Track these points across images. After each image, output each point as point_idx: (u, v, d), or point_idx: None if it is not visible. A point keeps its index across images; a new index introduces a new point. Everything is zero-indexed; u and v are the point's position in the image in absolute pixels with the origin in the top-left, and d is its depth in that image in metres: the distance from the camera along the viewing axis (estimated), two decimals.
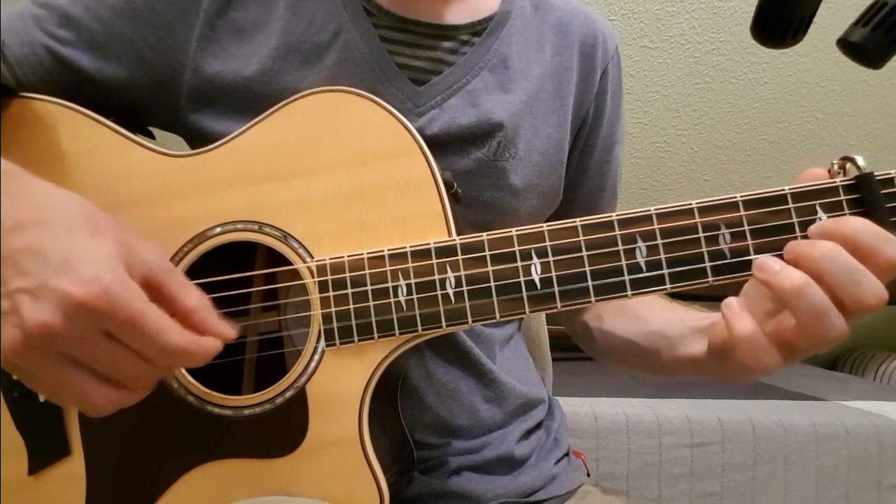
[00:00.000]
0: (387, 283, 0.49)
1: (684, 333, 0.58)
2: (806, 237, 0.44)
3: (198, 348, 0.41)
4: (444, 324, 0.48)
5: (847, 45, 0.44)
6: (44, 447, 0.52)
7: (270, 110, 0.53)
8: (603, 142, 0.73)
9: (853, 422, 1.35)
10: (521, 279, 0.47)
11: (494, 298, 0.47)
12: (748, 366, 0.44)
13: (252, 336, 0.60)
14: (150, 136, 0.65)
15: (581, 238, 0.46)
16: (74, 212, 0.40)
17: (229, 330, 0.43)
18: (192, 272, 0.52)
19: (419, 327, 0.48)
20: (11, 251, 0.37)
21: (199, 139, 0.59)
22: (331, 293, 0.49)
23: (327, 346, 0.49)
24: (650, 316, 0.65)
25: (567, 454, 0.72)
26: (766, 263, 0.43)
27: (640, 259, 0.46)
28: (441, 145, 0.60)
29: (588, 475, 0.73)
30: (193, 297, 0.43)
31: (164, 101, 0.60)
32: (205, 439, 0.51)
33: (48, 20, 0.58)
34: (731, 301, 0.44)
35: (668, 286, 0.46)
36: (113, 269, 0.38)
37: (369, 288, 0.49)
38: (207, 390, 0.51)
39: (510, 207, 0.65)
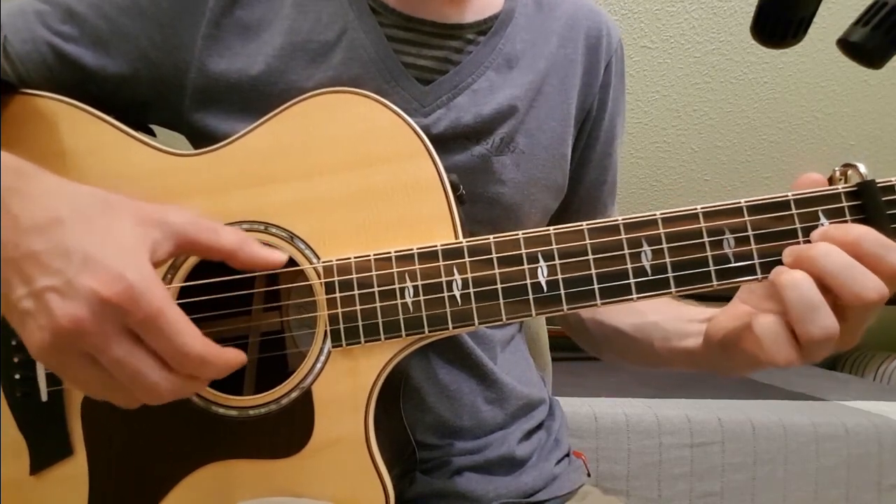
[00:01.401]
0: (394, 284, 0.49)
1: (680, 326, 0.59)
2: (809, 242, 0.44)
3: (217, 357, 0.41)
4: (450, 325, 0.48)
5: (847, 45, 0.45)
6: (46, 447, 0.52)
7: (276, 111, 0.53)
8: (605, 135, 0.73)
9: (853, 422, 1.36)
10: (528, 282, 0.47)
11: (501, 301, 0.47)
12: (763, 355, 0.44)
13: (255, 337, 0.59)
14: (151, 133, 0.64)
15: (587, 241, 0.46)
16: (89, 203, 0.40)
17: (277, 254, 0.46)
18: (197, 272, 0.52)
19: (426, 329, 0.48)
20: (34, 251, 0.38)
21: (202, 138, 0.59)
22: (337, 294, 0.49)
23: (333, 347, 0.49)
24: (645, 308, 0.65)
25: (568, 454, 0.73)
26: (777, 268, 0.44)
27: (646, 263, 0.46)
28: (445, 143, 0.60)
29: (588, 475, 0.74)
30: (231, 237, 0.44)
31: (168, 99, 0.60)
32: (209, 439, 0.51)
33: (51, 16, 0.58)
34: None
35: (672, 290, 0.46)
36: (137, 262, 0.38)
37: (376, 289, 0.49)
38: (212, 390, 0.51)
39: (514, 202, 0.65)
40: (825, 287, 0.42)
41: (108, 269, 0.37)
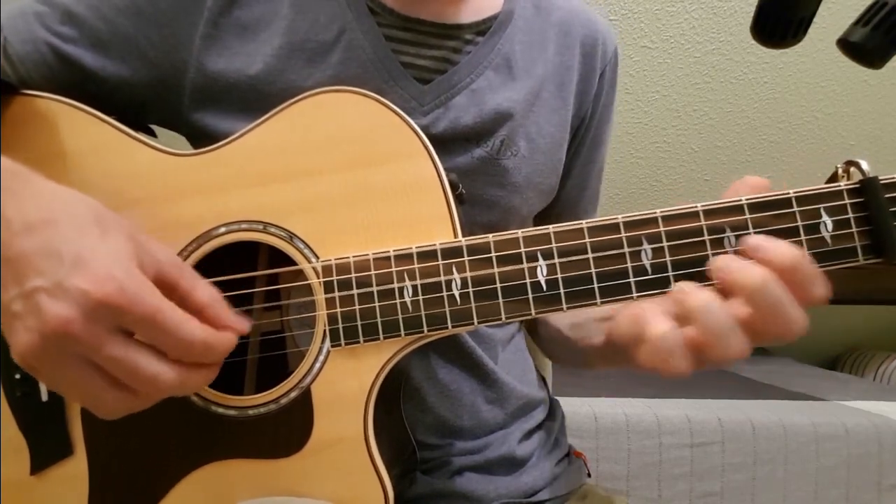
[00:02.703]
0: (392, 283, 0.48)
1: (595, 324, 0.59)
2: (810, 240, 0.44)
3: (217, 341, 0.41)
4: (449, 325, 0.48)
5: (847, 45, 0.44)
6: (46, 447, 0.52)
7: (275, 110, 0.53)
8: (592, 141, 0.73)
9: (853, 422, 1.36)
10: (527, 281, 0.47)
11: (500, 300, 0.47)
12: (654, 366, 0.42)
13: (255, 336, 0.59)
14: (152, 134, 0.64)
15: (587, 240, 0.46)
16: (82, 210, 0.40)
17: (243, 323, 0.45)
18: (196, 272, 0.51)
19: (425, 328, 0.48)
20: (24, 252, 0.37)
21: (202, 138, 0.59)
22: (336, 294, 0.49)
23: (332, 346, 0.49)
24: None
25: (568, 454, 0.73)
26: (683, 286, 0.42)
27: (646, 261, 0.45)
28: (445, 144, 0.60)
29: (588, 475, 0.74)
30: (206, 292, 0.43)
31: (167, 99, 0.60)
32: (209, 439, 0.51)
33: (50, 17, 0.58)
34: (649, 304, 0.43)
35: (673, 288, 0.45)
36: (126, 266, 0.38)
37: (375, 289, 0.49)
38: (211, 390, 0.51)
39: (513, 206, 0.65)
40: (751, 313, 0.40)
41: (99, 270, 0.37)
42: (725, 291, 0.41)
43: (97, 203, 0.41)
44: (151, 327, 0.38)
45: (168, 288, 0.42)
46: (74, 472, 0.51)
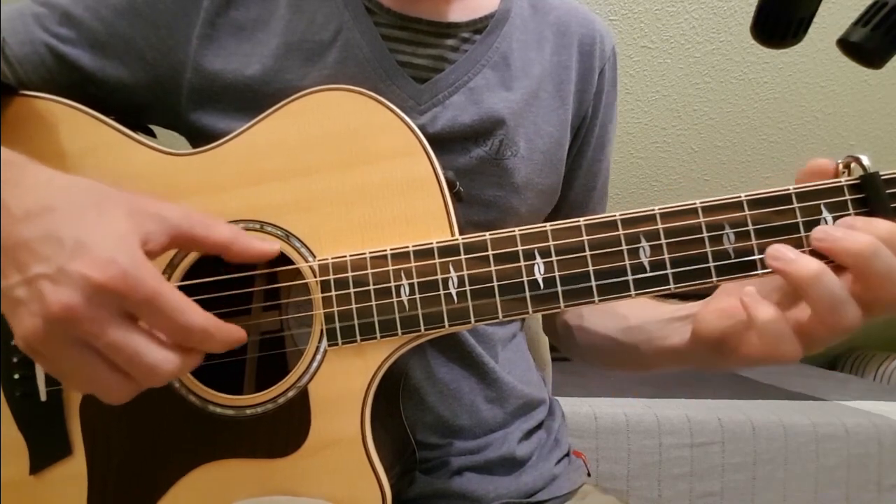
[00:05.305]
0: (389, 282, 0.48)
1: (661, 326, 0.59)
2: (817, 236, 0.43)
3: (219, 330, 0.41)
4: (446, 323, 0.48)
5: (847, 45, 0.44)
6: (45, 447, 0.52)
7: (272, 109, 0.53)
8: (596, 141, 0.73)
9: (853, 422, 1.36)
10: (524, 279, 0.47)
11: (497, 298, 0.47)
12: (765, 354, 0.43)
13: (254, 336, 0.59)
14: (152, 134, 0.64)
15: (584, 238, 0.46)
16: (81, 194, 0.40)
17: (270, 245, 0.46)
18: (194, 271, 0.52)
19: (422, 327, 0.48)
20: (25, 239, 0.38)
21: (201, 138, 0.59)
22: (333, 293, 0.49)
23: (329, 345, 0.49)
24: (629, 312, 0.65)
25: (568, 454, 0.72)
26: (781, 252, 0.42)
27: (644, 259, 0.45)
28: (443, 143, 0.60)
29: (588, 475, 0.73)
30: (224, 231, 0.44)
31: (165, 99, 0.60)
32: (206, 439, 0.51)
33: (49, 19, 0.58)
34: (750, 289, 0.43)
35: (671, 286, 0.45)
36: (128, 248, 0.38)
37: (372, 287, 0.48)
38: (209, 390, 0.51)
39: (511, 206, 0.65)
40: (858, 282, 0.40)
41: (100, 254, 0.37)
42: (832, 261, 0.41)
43: (95, 183, 0.41)
44: (150, 311, 0.38)
45: (186, 241, 0.42)
46: (73, 471, 0.52)
